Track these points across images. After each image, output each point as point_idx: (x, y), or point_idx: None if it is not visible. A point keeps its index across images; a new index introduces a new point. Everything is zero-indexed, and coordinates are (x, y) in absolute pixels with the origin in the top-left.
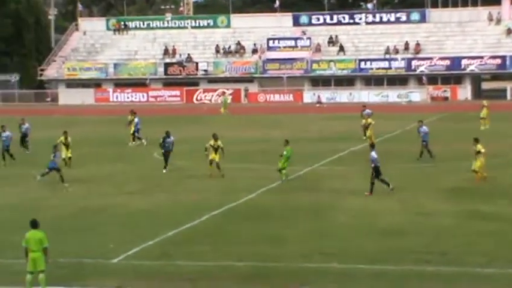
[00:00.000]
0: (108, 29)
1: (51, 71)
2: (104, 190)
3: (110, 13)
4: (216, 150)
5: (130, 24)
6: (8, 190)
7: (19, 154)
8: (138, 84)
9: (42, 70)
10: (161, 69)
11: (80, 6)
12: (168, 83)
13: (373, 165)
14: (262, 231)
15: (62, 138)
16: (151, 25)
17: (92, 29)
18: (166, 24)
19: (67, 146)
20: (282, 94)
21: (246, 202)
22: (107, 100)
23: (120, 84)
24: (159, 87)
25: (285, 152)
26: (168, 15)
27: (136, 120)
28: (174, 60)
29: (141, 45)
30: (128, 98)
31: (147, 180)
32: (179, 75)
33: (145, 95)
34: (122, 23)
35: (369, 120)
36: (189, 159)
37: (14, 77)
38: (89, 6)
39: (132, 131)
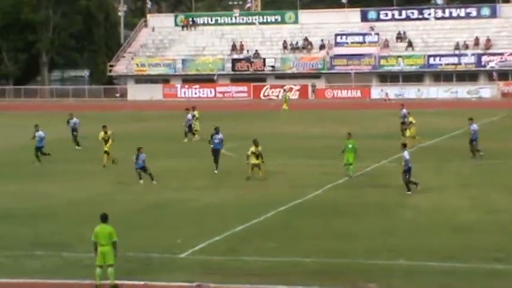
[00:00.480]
0: (176, 25)
1: (120, 67)
2: (172, 185)
3: (178, 9)
4: (257, 156)
5: (199, 20)
6: (75, 185)
7: (80, 150)
8: (206, 80)
9: (111, 66)
10: (229, 65)
11: (148, 3)
12: (236, 79)
13: (405, 166)
14: (329, 227)
15: (102, 133)
16: (219, 21)
17: (160, 25)
18: (234, 20)
19: (106, 141)
20: (349, 90)
21: (313, 198)
22: (175, 96)
23: (188, 80)
24: (227, 83)
25: (350, 146)
26: (236, 11)
27: (189, 116)
28: (241, 56)
29: (209, 41)
30: (195, 93)
31: (215, 176)
32: (247, 71)
33: (212, 90)
34: (190, 19)
35: (410, 119)
36: None
37: (86, 73)
38: (157, 3)
39: (194, 127)
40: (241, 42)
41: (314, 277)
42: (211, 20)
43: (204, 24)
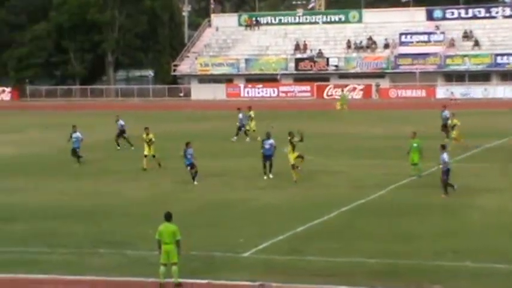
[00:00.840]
0: (240, 24)
1: (184, 67)
2: (235, 184)
3: (242, 9)
4: (294, 148)
5: (262, 20)
6: (137, 184)
7: (135, 149)
8: (269, 79)
9: (175, 66)
10: (292, 65)
11: (212, 3)
12: (299, 78)
13: (444, 168)
14: (393, 228)
15: (144, 135)
16: (282, 21)
17: (224, 24)
18: (297, 20)
19: (148, 143)
20: (414, 90)
21: (377, 198)
22: (238, 95)
23: (251, 79)
24: (290, 83)
25: (415, 145)
26: (300, 11)
27: (240, 116)
28: (305, 56)
29: (273, 41)
30: (258, 93)
31: (278, 175)
32: (310, 70)
33: (275, 90)
34: (254, 18)
35: (455, 121)
36: (320, 155)
37: (150, 73)
38: (221, 3)
39: (250, 128)
40: (304, 41)
41: (378, 278)
42: (275, 20)
43: (267, 23)
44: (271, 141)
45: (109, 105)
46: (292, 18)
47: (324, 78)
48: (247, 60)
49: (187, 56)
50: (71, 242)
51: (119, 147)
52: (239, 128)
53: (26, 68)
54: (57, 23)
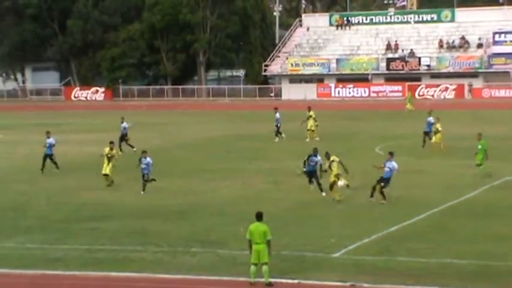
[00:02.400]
0: (331, 24)
1: (275, 67)
2: (325, 184)
3: (333, 9)
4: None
5: (353, 19)
6: (229, 184)
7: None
8: (360, 79)
9: (266, 66)
10: (383, 65)
11: (303, 3)
12: (390, 78)
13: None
14: (486, 229)
15: (106, 149)
16: (374, 20)
17: (315, 24)
18: (389, 19)
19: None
20: (508, 89)
21: (468, 199)
22: (329, 95)
23: (342, 79)
24: (381, 83)
25: (479, 146)
26: (391, 10)
27: (277, 116)
28: (396, 56)
29: (364, 41)
30: (349, 93)
31: (369, 176)
32: (401, 70)
33: (366, 90)
34: (345, 18)
35: (438, 125)
36: (411, 155)
37: (241, 73)
38: (312, 2)
39: (309, 127)
40: (396, 41)
41: (469, 279)
42: (366, 19)
43: (358, 23)
44: (318, 158)
45: (200, 105)
46: (384, 17)
47: (416, 78)
48: (338, 60)
49: (278, 56)
50: (163, 240)
51: (121, 152)
52: (278, 128)
53: (119, 68)
54: (150, 24)
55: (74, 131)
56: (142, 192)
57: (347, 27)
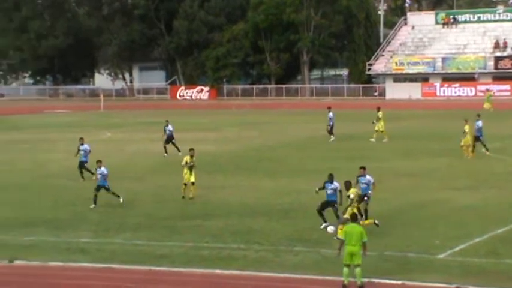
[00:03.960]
0: (437, 23)
1: (378, 66)
2: (430, 184)
3: (439, 7)
4: None
5: (460, 17)
6: None
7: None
8: (466, 78)
9: (370, 65)
10: (491, 63)
11: (408, 1)
12: (498, 77)
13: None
14: None
15: (188, 157)
16: (481, 18)
17: (420, 23)
18: (497, 17)
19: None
20: None
21: None
22: (434, 95)
23: (448, 78)
24: (488, 82)
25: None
26: (500, 8)
27: (330, 115)
28: (505, 54)
29: (471, 39)
30: (455, 92)
31: (475, 176)
32: (510, 69)
33: (473, 89)
34: (451, 16)
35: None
36: None
37: (345, 72)
38: (418, 1)
39: (377, 128)
40: (504, 39)
41: None
42: (474, 17)
43: (465, 21)
44: (335, 184)
45: (303, 104)
46: (492, 15)
47: None
48: (444, 59)
49: (382, 55)
50: (266, 239)
51: (166, 154)
52: (331, 128)
53: (223, 68)
54: (254, 23)
55: (179, 129)
56: (120, 200)
57: (453, 26)
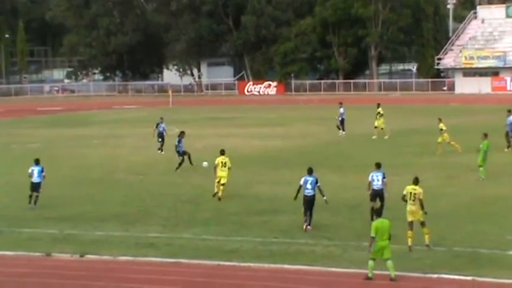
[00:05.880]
0: (507, 16)
1: (448, 60)
2: (501, 179)
3: (510, 0)
4: None
5: None
6: (400, 179)
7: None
8: None
9: (439, 59)
10: None
11: None
12: None
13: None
14: None
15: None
16: None
17: (490, 16)
18: None
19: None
20: None
21: None
22: (504, 89)
23: None
24: None
25: (481, 146)
26: None
27: (341, 110)
28: None
29: None
30: None
31: None
32: None
33: None
34: None
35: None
36: None
37: (413, 67)
38: None
39: (378, 125)
40: None
41: None
42: None
43: None
44: (312, 178)
45: (372, 99)
46: None
47: None
48: None
49: (452, 49)
50: (335, 234)
51: (161, 151)
52: (341, 122)
53: (291, 63)
54: (322, 18)
55: (248, 125)
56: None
57: None
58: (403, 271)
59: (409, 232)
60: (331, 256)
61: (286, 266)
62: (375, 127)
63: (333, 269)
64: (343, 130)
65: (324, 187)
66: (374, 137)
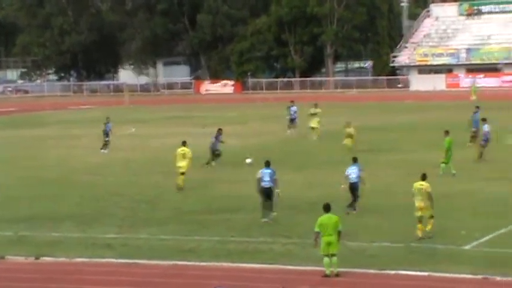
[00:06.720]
0: (460, 14)
1: (402, 58)
2: (460, 175)
3: None
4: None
5: (484, 8)
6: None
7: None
8: (490, 69)
9: (394, 57)
10: None
11: None
12: None
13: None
14: None
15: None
16: (506, 9)
17: (444, 14)
18: None
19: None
20: None
21: None
22: (458, 86)
23: (472, 69)
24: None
25: (444, 143)
26: None
27: (293, 108)
28: None
29: (495, 30)
30: (479, 83)
31: (501, 167)
32: None
33: (497, 80)
34: (475, 7)
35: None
36: None
37: (368, 64)
38: None
39: (313, 125)
40: None
41: None
42: (497, 8)
43: (489, 12)
44: (270, 170)
45: (328, 97)
46: None
47: None
48: (468, 50)
49: (406, 47)
50: (293, 232)
51: (104, 150)
52: (291, 121)
53: (247, 62)
54: (278, 17)
55: (206, 123)
56: None
57: (477, 16)
58: (360, 268)
59: (419, 225)
60: (289, 254)
61: (244, 265)
62: (312, 128)
63: (291, 267)
64: (294, 129)
65: (284, 185)
66: (314, 139)
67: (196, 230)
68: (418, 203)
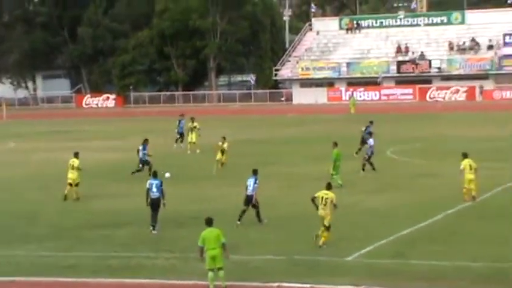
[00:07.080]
0: (340, 28)
1: (285, 71)
2: (338, 188)
3: (343, 12)
4: None
5: (363, 23)
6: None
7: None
8: (371, 82)
9: (277, 70)
10: (394, 68)
11: (313, 7)
12: (401, 81)
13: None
14: (498, 231)
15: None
16: (384, 23)
17: (325, 28)
18: (399, 22)
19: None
20: None
21: (481, 202)
22: (339, 99)
23: (353, 83)
24: (392, 86)
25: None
26: (401, 13)
27: (182, 122)
28: (406, 58)
29: (374, 44)
30: (360, 96)
31: (381, 179)
32: (412, 73)
33: (377, 93)
34: (355, 22)
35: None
36: (423, 158)
37: (251, 78)
38: (322, 7)
39: (191, 139)
40: (406, 44)
41: (482, 282)
42: (376, 23)
43: (368, 27)
44: (157, 181)
45: (211, 111)
46: (394, 20)
47: (426, 80)
48: (348, 64)
49: (289, 61)
50: (176, 246)
51: None
52: (181, 135)
53: (129, 75)
54: (160, 30)
55: (86, 138)
56: None
57: (357, 31)
58: (243, 281)
59: (325, 233)
60: (173, 269)
61: (125, 280)
62: (189, 142)
63: (174, 282)
64: (182, 143)
65: (169, 198)
66: (188, 152)
67: (76, 246)
68: (320, 211)
